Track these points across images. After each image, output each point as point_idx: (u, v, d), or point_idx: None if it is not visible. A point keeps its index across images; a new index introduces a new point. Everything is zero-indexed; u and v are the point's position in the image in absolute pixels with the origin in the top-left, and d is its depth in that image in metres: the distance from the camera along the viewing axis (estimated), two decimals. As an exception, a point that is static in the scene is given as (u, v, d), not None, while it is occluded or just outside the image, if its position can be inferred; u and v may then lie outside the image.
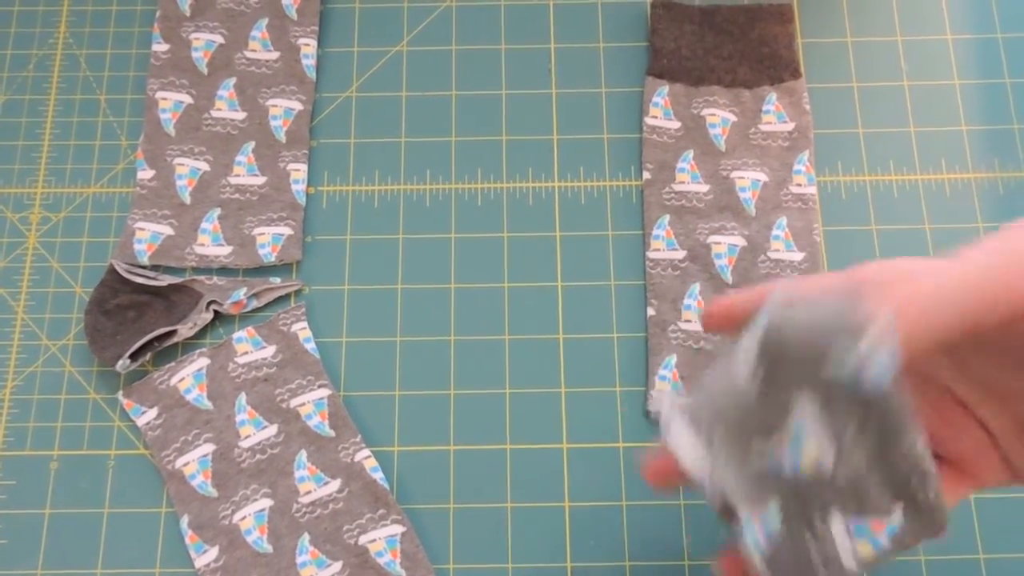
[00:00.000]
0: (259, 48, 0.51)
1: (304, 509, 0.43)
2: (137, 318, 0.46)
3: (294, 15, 0.51)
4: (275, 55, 0.51)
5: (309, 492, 0.43)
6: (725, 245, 0.46)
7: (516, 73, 0.51)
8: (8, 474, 0.44)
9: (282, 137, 0.49)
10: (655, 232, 0.47)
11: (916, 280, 0.24)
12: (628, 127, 0.50)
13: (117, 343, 0.44)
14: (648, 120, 0.49)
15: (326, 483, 0.43)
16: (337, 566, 0.41)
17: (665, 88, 0.49)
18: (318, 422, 0.44)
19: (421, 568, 0.41)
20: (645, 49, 0.51)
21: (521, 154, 0.49)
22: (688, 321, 0.45)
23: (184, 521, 0.42)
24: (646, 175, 0.48)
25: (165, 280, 0.46)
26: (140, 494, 0.44)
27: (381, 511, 0.42)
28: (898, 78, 0.50)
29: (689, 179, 0.48)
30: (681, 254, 0.46)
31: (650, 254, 0.47)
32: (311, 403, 0.44)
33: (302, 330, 0.46)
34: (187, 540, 0.42)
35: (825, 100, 0.50)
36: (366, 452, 0.43)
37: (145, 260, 0.47)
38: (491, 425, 0.45)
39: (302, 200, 0.48)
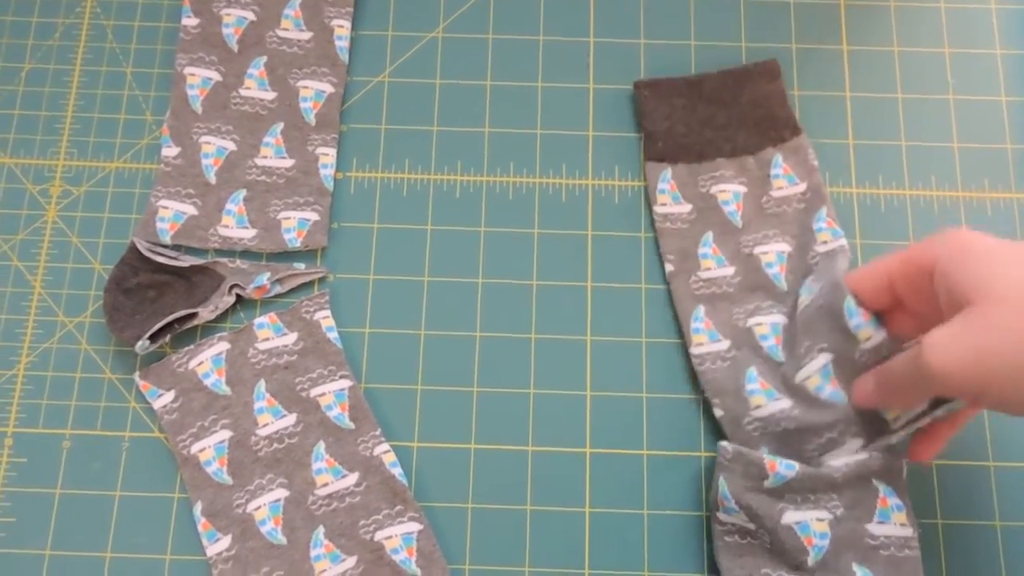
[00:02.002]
0: (291, 27, 0.49)
1: (320, 502, 0.42)
2: (157, 298, 0.45)
3: (329, -5, 0.50)
4: (308, 35, 0.49)
5: (326, 484, 0.42)
6: (768, 326, 0.44)
7: (553, 65, 0.50)
8: (20, 451, 0.43)
9: (312, 120, 0.48)
10: (694, 326, 0.44)
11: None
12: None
13: (136, 323, 0.44)
14: (658, 209, 0.46)
15: (344, 476, 0.42)
16: (351, 561, 0.41)
17: (668, 171, 0.47)
18: (338, 413, 0.43)
19: (437, 567, 0.41)
20: (687, 47, 0.50)
21: (555, 149, 0.48)
22: (759, 407, 0.42)
23: (197, 508, 0.42)
24: (669, 267, 0.45)
25: (187, 261, 0.45)
26: (153, 478, 0.43)
27: (398, 507, 0.41)
28: (944, 91, 0.49)
29: (714, 264, 0.45)
30: (725, 344, 0.44)
31: (694, 350, 0.44)
32: (331, 393, 0.43)
33: (325, 318, 0.45)
34: (200, 527, 0.41)
35: (868, 110, 0.49)
36: (385, 446, 0.42)
37: (167, 239, 0.46)
38: (514, 425, 0.44)
39: (330, 185, 0.47)
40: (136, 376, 0.44)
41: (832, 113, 0.49)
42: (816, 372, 0.41)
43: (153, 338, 0.43)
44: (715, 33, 0.50)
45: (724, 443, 0.41)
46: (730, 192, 0.46)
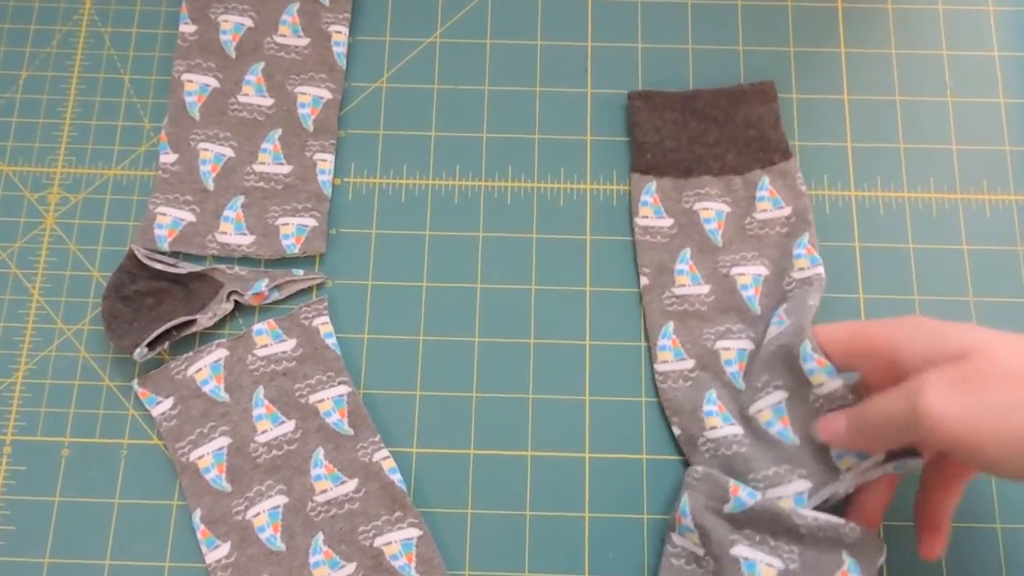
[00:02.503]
0: (289, 33, 0.49)
1: (319, 508, 0.42)
2: (155, 305, 0.45)
3: (326, 1, 0.50)
4: (305, 41, 0.49)
5: (325, 491, 0.42)
6: (734, 351, 0.43)
7: (551, 70, 0.50)
8: (18, 459, 0.43)
9: (310, 126, 0.48)
10: (661, 343, 0.44)
11: None
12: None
13: (135, 330, 0.43)
14: (639, 221, 0.46)
15: (343, 482, 0.42)
16: (351, 567, 0.41)
17: (653, 184, 0.46)
18: (337, 419, 0.43)
19: (436, 573, 0.41)
20: (684, 52, 0.50)
21: (553, 154, 0.48)
22: (714, 428, 0.42)
23: (196, 515, 0.42)
24: (644, 280, 0.45)
25: (185, 268, 0.45)
26: (152, 485, 0.43)
27: (398, 513, 0.41)
28: (942, 93, 0.49)
29: (689, 281, 0.45)
30: (690, 363, 0.44)
31: (658, 367, 0.44)
32: (330, 400, 0.43)
33: (323, 325, 0.45)
34: (199, 535, 0.41)
35: (866, 113, 0.49)
36: (384, 452, 0.42)
37: (165, 246, 0.46)
38: (512, 431, 0.44)
39: (328, 191, 0.47)
40: (134, 383, 0.44)
41: (830, 116, 0.49)
42: (769, 408, 0.41)
43: (151, 345, 0.43)
44: (713, 37, 0.50)
45: (695, 466, 0.41)
46: (713, 210, 0.46)
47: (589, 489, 0.43)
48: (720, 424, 0.41)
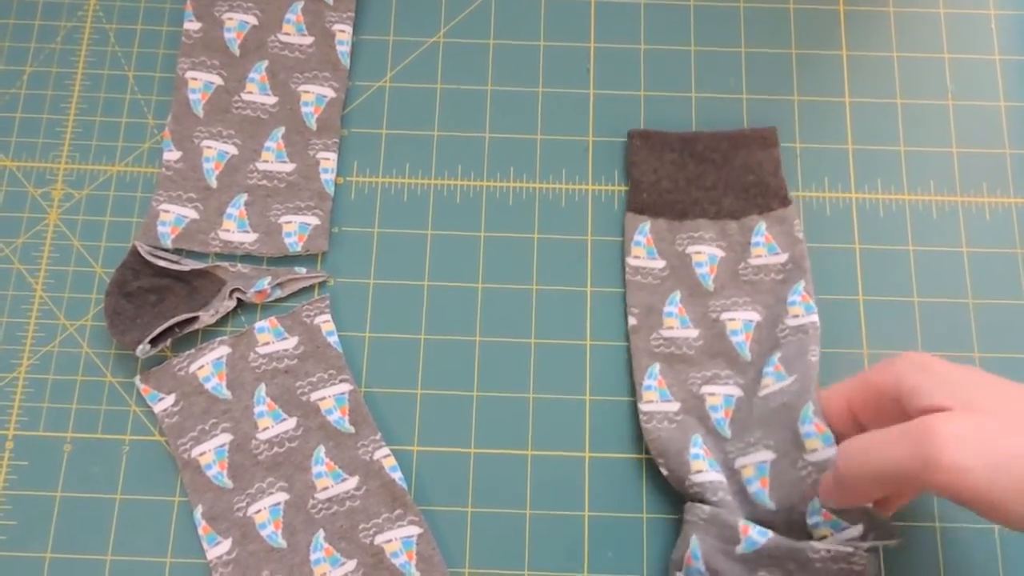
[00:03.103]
0: (293, 32, 0.50)
1: (320, 505, 0.42)
2: (158, 302, 0.45)
3: (330, 0, 0.50)
4: (309, 40, 0.49)
5: (326, 488, 0.42)
6: (720, 396, 0.43)
7: (553, 70, 0.50)
8: (20, 455, 0.43)
9: (313, 124, 0.48)
10: (646, 383, 0.43)
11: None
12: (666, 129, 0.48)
13: (137, 327, 0.44)
14: (631, 261, 0.45)
15: (343, 480, 0.42)
16: (351, 565, 0.41)
17: (647, 224, 0.46)
18: (338, 417, 0.43)
19: (436, 571, 0.41)
20: (687, 53, 0.50)
21: (555, 154, 0.48)
22: (700, 472, 0.40)
23: (198, 511, 0.42)
24: (632, 320, 0.44)
25: (188, 265, 0.45)
26: (154, 481, 0.43)
27: (398, 511, 0.42)
28: (943, 96, 0.49)
29: (677, 324, 0.44)
30: (676, 406, 0.43)
31: (643, 407, 0.43)
32: (332, 398, 0.43)
33: (325, 323, 0.45)
34: (200, 531, 0.42)
35: (867, 115, 0.49)
36: (385, 451, 0.42)
37: (168, 243, 0.46)
38: (513, 430, 0.44)
39: (331, 190, 0.47)
40: (137, 380, 0.44)
41: (831, 118, 0.49)
42: (753, 465, 0.40)
43: (154, 342, 0.43)
44: (715, 36, 0.50)
45: (698, 504, 0.40)
46: (706, 255, 0.45)
47: (589, 488, 0.43)
48: (705, 468, 0.40)
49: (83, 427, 0.44)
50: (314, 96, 0.49)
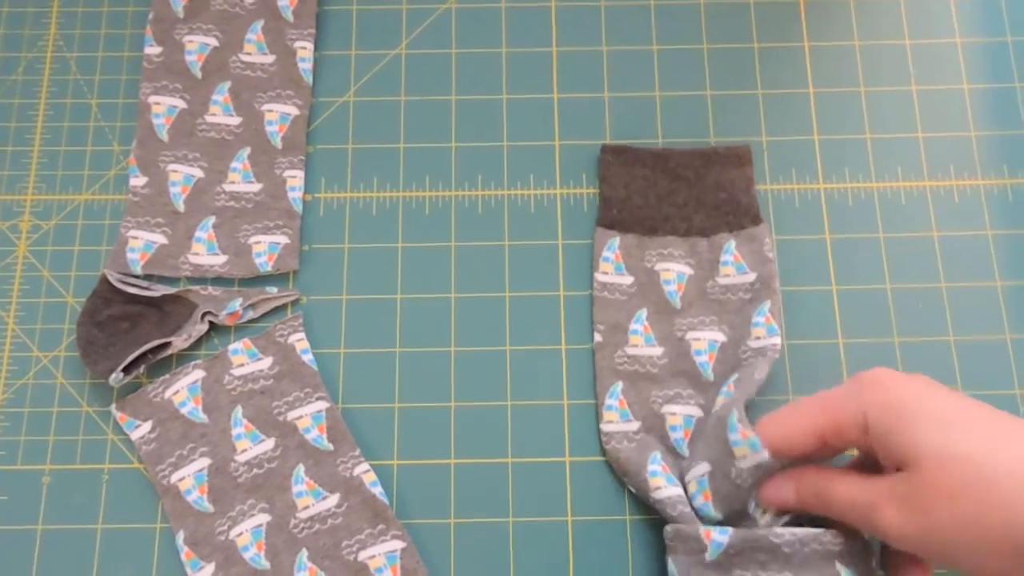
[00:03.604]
0: (254, 51, 0.50)
1: (302, 524, 0.42)
2: (130, 329, 0.45)
3: (290, 17, 0.50)
4: (271, 58, 0.49)
5: (307, 507, 0.42)
6: (680, 417, 0.43)
7: (517, 77, 0.50)
8: (-1, 490, 0.43)
9: (278, 143, 0.48)
10: (608, 402, 0.43)
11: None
12: (633, 133, 0.49)
13: (110, 355, 0.43)
14: (599, 276, 0.45)
15: (324, 498, 0.42)
16: (336, 583, 0.41)
17: (616, 240, 0.45)
18: (316, 435, 0.43)
19: (421, 584, 0.41)
20: (649, 53, 0.50)
21: (523, 160, 0.48)
22: (658, 488, 0.40)
23: (180, 537, 0.42)
24: (597, 337, 0.44)
25: (159, 290, 0.45)
26: (135, 509, 0.43)
27: (380, 526, 0.41)
28: (906, 82, 0.49)
29: (643, 342, 0.44)
30: (635, 425, 0.43)
31: (604, 427, 0.43)
32: (309, 416, 0.43)
33: (299, 341, 0.45)
34: (183, 556, 0.41)
35: (831, 105, 0.49)
36: (365, 466, 0.42)
37: (138, 269, 0.46)
38: (492, 438, 0.44)
39: (299, 207, 0.47)
40: (113, 408, 0.44)
41: (796, 110, 0.49)
42: (695, 480, 0.40)
43: (128, 369, 0.43)
44: (675, 35, 0.50)
45: (668, 526, 0.40)
46: (674, 272, 0.45)
47: (571, 493, 0.43)
48: (664, 484, 0.40)
49: (61, 458, 0.44)
50: (278, 115, 0.48)
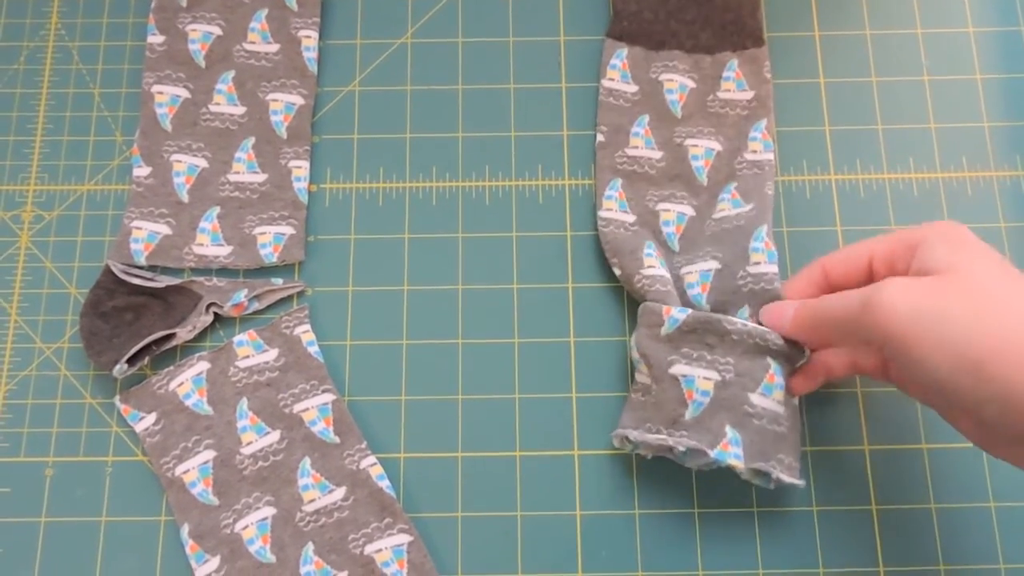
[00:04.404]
0: (258, 40, 0.49)
1: (308, 518, 0.41)
2: (134, 320, 0.44)
3: (294, 6, 0.49)
4: (275, 47, 0.49)
5: (313, 500, 0.41)
6: (674, 213, 0.45)
7: (524, 66, 0.49)
8: (2, 482, 0.43)
9: (283, 133, 0.48)
10: (607, 193, 0.46)
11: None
12: (640, 123, 0.48)
13: (114, 347, 0.43)
14: (605, 83, 0.48)
15: (331, 491, 0.42)
16: (342, 576, 0.40)
17: (624, 51, 0.48)
18: (322, 428, 0.43)
19: (429, 578, 0.40)
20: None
21: (531, 151, 0.48)
22: (651, 267, 0.43)
23: (184, 530, 0.41)
24: (600, 137, 0.47)
25: (163, 281, 0.45)
26: (139, 502, 0.42)
27: (387, 520, 0.41)
28: (918, 73, 0.49)
29: (643, 144, 0.47)
30: (632, 218, 0.45)
31: (602, 213, 0.45)
32: (315, 408, 0.43)
33: (305, 333, 0.44)
34: (188, 550, 0.41)
35: (843, 95, 0.48)
36: (372, 459, 0.42)
37: (142, 260, 0.45)
38: (500, 431, 0.43)
39: (304, 198, 0.47)
40: (117, 400, 0.43)
41: (808, 100, 0.49)
42: (697, 272, 0.43)
43: (132, 361, 0.42)
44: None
45: (641, 304, 0.42)
46: (677, 83, 0.47)
47: (580, 487, 0.42)
48: (657, 266, 0.43)
49: (64, 450, 0.43)
50: (283, 104, 0.48)
